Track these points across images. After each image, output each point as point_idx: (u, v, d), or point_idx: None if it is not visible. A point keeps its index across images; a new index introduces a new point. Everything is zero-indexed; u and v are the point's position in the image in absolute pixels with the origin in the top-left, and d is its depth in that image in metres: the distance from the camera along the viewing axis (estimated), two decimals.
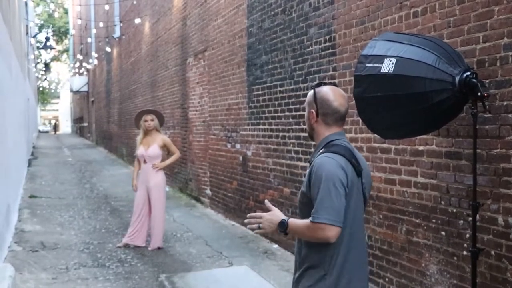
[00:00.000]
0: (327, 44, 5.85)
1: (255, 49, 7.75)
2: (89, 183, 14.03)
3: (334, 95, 2.52)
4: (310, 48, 6.21)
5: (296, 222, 2.46)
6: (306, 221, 2.39)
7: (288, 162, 6.78)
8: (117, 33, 21.38)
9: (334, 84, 2.64)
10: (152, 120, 7.18)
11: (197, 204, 10.57)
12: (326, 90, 2.54)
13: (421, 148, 4.39)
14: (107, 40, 22.76)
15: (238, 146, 8.47)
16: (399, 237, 4.68)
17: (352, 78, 4.35)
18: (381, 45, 3.66)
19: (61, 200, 10.96)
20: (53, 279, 5.74)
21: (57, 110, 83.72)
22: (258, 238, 7.50)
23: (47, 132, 61.58)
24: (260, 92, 7.60)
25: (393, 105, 3.51)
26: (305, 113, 2.62)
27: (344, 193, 2.36)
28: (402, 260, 4.65)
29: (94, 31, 24.03)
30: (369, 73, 3.60)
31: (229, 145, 8.88)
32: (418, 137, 4.34)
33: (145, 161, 7.16)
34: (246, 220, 2.62)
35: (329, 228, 2.31)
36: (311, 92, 2.58)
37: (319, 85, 2.59)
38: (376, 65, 3.57)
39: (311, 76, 6.20)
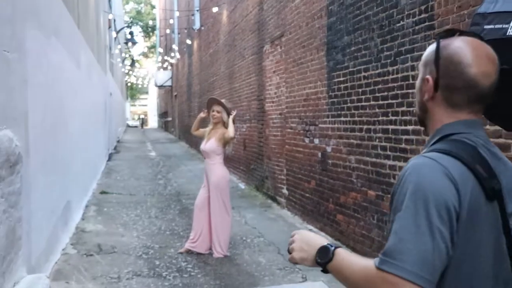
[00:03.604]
0: (423, 16, 4.77)
1: (336, 29, 6.74)
2: (164, 179, 13.55)
3: (472, 55, 1.37)
4: (401, 23, 5.14)
5: (349, 258, 1.39)
6: (367, 263, 1.31)
7: (374, 160, 5.74)
8: (196, 25, 20.93)
9: (480, 38, 1.46)
10: (219, 112, 6.40)
11: (273, 204, 9.69)
12: (460, 45, 1.38)
13: None
14: (185, 31, 22.43)
15: (316, 141, 7.50)
16: None
17: None
18: None
19: (132, 197, 10.45)
20: None
21: (146, 105, 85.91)
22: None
23: (135, 127, 63.10)
24: (341, 78, 6.60)
25: None
26: (417, 81, 1.51)
27: (449, 230, 1.25)
28: None
29: (171, 21, 23.88)
30: (489, 37, 2.49)
31: (307, 140, 7.93)
32: None
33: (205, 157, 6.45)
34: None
35: (405, 286, 1.20)
36: (432, 46, 1.44)
37: (449, 33, 1.44)
38: (499, 26, 2.46)
39: (401, 57, 5.14)
